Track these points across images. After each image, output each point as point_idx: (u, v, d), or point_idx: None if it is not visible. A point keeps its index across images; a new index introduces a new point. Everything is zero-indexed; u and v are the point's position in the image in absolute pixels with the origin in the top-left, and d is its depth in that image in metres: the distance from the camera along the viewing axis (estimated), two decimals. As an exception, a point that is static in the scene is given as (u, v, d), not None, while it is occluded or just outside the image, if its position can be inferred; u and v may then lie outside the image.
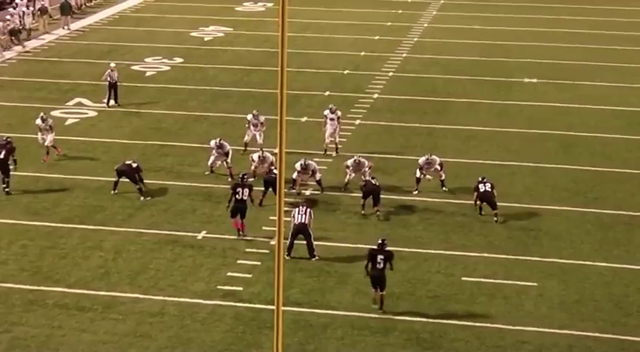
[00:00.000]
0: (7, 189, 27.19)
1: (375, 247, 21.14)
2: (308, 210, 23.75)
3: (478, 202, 26.38)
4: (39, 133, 30.12)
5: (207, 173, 28.86)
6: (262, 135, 30.24)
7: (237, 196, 24.56)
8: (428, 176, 27.87)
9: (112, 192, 27.32)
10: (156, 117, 34.45)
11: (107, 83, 35.95)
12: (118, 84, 36.12)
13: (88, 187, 28.02)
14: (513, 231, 25.43)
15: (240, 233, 24.65)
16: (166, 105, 35.86)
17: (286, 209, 24.00)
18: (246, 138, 30.54)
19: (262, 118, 30.50)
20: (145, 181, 27.59)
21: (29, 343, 19.54)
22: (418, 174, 27.83)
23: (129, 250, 23.95)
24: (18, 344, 19.50)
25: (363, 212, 26.17)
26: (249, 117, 30.73)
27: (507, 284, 22.35)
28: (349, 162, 28.02)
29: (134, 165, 27.38)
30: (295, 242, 23.51)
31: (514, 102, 37.13)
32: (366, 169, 27.68)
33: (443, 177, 27.94)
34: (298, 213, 23.55)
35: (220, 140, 28.82)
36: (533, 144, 32.24)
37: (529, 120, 34.74)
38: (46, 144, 29.91)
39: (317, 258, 23.46)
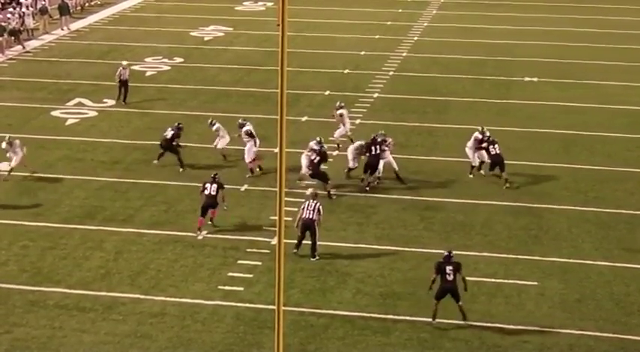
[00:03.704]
0: None
1: (442, 260, 20.50)
2: (317, 205, 23.56)
3: (479, 164, 28.04)
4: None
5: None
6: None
7: (205, 192, 24.90)
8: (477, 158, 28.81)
9: (155, 161, 29.27)
10: (156, 117, 34.43)
11: (118, 81, 36.18)
12: (129, 84, 36.38)
13: (89, 187, 28.02)
14: (513, 231, 25.43)
15: (200, 230, 24.79)
16: (167, 105, 35.89)
17: (291, 199, 24.02)
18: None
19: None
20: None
21: (30, 344, 19.53)
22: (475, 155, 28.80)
23: (130, 250, 23.95)
24: (19, 345, 19.49)
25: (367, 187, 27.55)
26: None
27: (508, 284, 22.35)
28: (357, 144, 28.46)
29: (169, 135, 28.47)
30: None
31: (514, 101, 37.13)
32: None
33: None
34: (306, 208, 23.44)
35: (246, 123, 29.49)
36: (533, 142, 32.24)
37: (529, 119, 34.73)
38: (11, 165, 28.38)
39: (317, 258, 23.43)
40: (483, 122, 30.94)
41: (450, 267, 20.33)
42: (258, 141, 29.21)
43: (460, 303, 20.38)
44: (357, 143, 28.85)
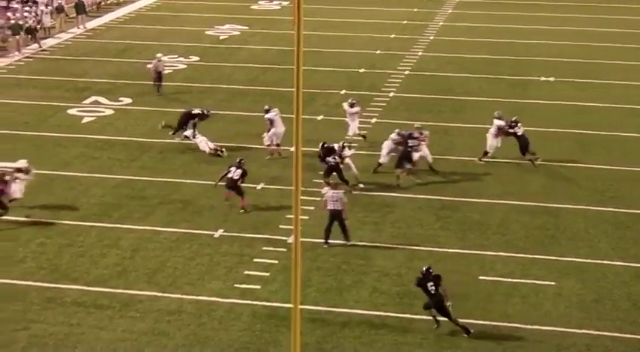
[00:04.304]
0: None
1: (421, 276, 20.25)
2: (340, 195, 24.01)
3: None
4: None
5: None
6: None
7: (229, 175, 26.15)
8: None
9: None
10: (172, 115, 34.41)
11: (154, 73, 37.02)
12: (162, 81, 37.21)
13: (105, 185, 28.09)
14: (530, 230, 25.37)
15: (227, 200, 26.36)
16: (182, 104, 35.86)
17: (308, 198, 24.09)
18: None
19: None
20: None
21: (47, 340, 19.61)
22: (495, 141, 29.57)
23: (146, 248, 24.00)
24: (36, 341, 19.57)
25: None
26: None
27: (525, 284, 22.29)
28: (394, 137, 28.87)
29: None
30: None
31: (530, 101, 37.02)
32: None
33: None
34: (331, 200, 23.87)
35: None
36: (549, 142, 32.13)
37: (546, 119, 34.62)
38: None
39: (352, 242, 23.86)
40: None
41: (431, 283, 20.04)
42: (281, 129, 30.13)
43: (453, 319, 20.01)
44: (394, 136, 29.00)
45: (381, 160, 29.03)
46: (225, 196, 26.51)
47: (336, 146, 27.87)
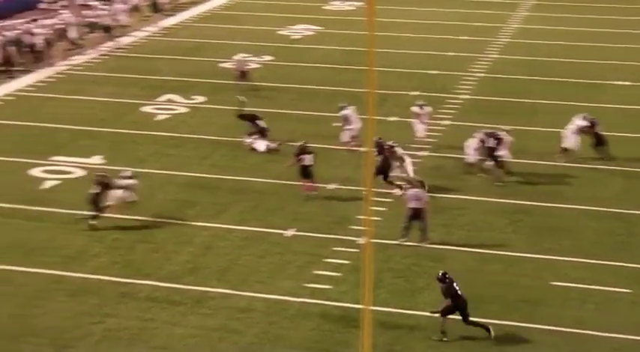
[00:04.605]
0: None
1: (447, 280, 19.88)
2: (423, 195, 24.05)
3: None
4: None
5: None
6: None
7: (301, 162, 27.08)
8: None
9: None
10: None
11: (238, 72, 37.76)
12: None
13: (179, 182, 28.40)
14: (603, 236, 25.04)
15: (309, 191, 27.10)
16: (255, 103, 36.06)
17: (379, 199, 24.08)
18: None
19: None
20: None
21: (121, 334, 19.88)
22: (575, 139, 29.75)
23: (218, 246, 24.21)
24: (111, 335, 19.86)
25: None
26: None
27: (598, 290, 22.00)
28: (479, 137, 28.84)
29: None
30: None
31: (606, 105, 36.53)
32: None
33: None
34: (415, 199, 23.90)
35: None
36: (625, 147, 31.66)
37: (621, 123, 34.13)
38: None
39: (429, 240, 23.84)
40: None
41: (456, 284, 19.81)
42: (356, 126, 30.44)
43: (471, 321, 19.87)
44: (477, 138, 28.94)
45: (471, 160, 29.00)
46: (306, 190, 26.98)
47: (389, 143, 27.71)
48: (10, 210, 26.29)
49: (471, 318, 19.88)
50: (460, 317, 19.81)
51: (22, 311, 20.87)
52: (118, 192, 25.66)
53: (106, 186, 25.40)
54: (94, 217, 25.09)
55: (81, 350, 19.36)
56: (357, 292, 20.82)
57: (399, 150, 27.93)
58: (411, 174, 27.46)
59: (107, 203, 25.43)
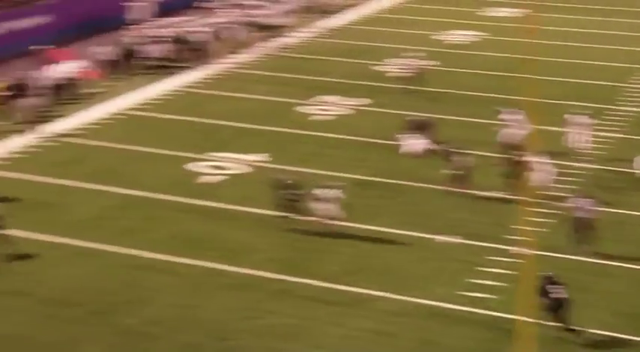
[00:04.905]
0: None
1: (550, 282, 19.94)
2: (594, 206, 23.63)
3: None
4: None
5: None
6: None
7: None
8: None
9: None
10: (400, 117, 34.33)
11: (410, 72, 38.14)
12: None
13: (339, 183, 28.56)
14: None
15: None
16: (414, 106, 35.80)
17: (537, 209, 23.69)
18: None
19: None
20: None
21: (279, 330, 20.26)
22: None
23: (373, 248, 24.33)
24: (268, 331, 20.26)
25: None
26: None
27: None
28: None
29: None
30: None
31: None
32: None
33: None
34: (581, 208, 23.55)
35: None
36: None
37: None
38: None
39: (592, 254, 23.42)
40: None
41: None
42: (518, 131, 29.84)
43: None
44: None
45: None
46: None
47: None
48: (171, 203, 27.06)
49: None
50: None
51: (182, 301, 21.52)
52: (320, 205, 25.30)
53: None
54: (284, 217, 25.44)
55: (241, 343, 19.82)
56: (515, 302, 20.57)
57: (541, 159, 27.54)
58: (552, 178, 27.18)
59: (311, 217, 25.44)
